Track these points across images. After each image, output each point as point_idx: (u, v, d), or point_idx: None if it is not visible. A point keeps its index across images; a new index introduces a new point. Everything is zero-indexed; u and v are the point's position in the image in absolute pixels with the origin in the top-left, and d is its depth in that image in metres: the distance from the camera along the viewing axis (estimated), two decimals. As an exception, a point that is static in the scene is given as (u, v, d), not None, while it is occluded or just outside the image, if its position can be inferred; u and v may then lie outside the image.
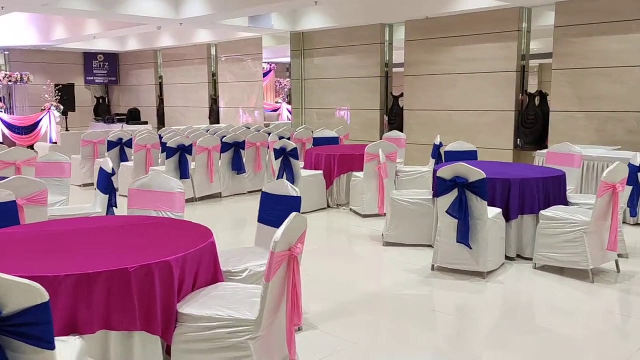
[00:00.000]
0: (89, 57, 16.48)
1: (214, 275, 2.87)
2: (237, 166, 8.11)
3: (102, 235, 2.98)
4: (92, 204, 4.82)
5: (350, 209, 7.02)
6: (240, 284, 2.98)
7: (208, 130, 9.72)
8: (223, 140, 8.00)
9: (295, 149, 6.85)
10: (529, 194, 4.88)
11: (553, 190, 5.04)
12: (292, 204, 3.40)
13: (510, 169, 5.52)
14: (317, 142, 8.61)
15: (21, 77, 14.50)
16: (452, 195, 4.41)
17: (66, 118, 14.62)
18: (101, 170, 4.79)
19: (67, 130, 14.33)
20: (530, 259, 4.76)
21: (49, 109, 14.09)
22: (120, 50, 16.02)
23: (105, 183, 4.71)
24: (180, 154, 7.47)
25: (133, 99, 16.51)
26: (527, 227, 4.91)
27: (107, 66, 16.76)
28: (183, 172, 7.47)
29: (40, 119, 14.08)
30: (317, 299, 3.98)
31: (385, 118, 10.64)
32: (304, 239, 2.65)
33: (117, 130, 9.30)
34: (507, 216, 4.86)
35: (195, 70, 14.36)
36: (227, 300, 2.61)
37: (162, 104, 15.52)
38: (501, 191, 4.88)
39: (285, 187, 3.47)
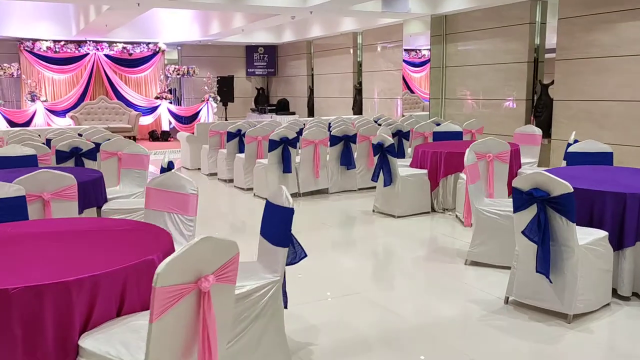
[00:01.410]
0: (250, 50, 17.19)
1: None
2: (347, 161, 7.63)
3: (41, 243, 2.69)
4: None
5: (456, 216, 6.14)
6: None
7: (331, 125, 9.36)
8: (332, 133, 7.58)
9: (392, 145, 6.16)
10: (654, 214, 3.66)
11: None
12: (284, 217, 2.85)
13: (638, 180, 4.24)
14: (437, 136, 7.75)
15: (187, 71, 15.63)
16: (531, 212, 3.45)
17: (226, 108, 15.46)
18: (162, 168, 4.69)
19: (226, 119, 15.12)
20: (650, 301, 3.59)
21: (207, 100, 14.99)
22: (278, 42, 16.44)
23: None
24: (283, 147, 7.21)
25: (288, 90, 16.87)
26: (649, 257, 3.71)
27: (266, 58, 17.34)
28: (286, 165, 7.21)
29: (200, 110, 15.05)
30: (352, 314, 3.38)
31: (532, 110, 9.27)
32: (230, 270, 2.12)
33: (241, 122, 9.38)
34: (620, 242, 3.70)
35: (342, 59, 14.12)
36: (140, 334, 2.19)
37: (312, 95, 15.58)
38: (613, 208, 3.72)
39: (281, 196, 2.93)
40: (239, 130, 8.54)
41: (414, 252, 5.10)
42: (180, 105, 16.25)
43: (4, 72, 13.61)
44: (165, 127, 15.12)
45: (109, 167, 6.09)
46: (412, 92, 12.09)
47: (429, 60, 11.15)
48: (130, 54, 15.06)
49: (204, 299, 2.04)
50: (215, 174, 9.04)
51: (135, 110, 14.64)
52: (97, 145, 6.41)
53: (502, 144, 5.53)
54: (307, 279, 4.23)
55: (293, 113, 15.17)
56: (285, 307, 2.97)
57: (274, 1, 8.95)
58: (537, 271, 3.47)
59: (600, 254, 3.54)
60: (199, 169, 9.77)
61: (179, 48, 16.50)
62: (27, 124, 13.38)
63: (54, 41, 14.16)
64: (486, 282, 4.12)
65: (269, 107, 15.39)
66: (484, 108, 10.05)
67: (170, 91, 15.65)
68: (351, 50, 13.72)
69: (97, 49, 14.68)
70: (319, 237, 5.66)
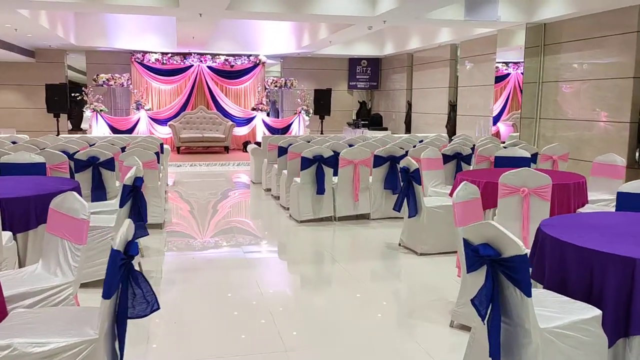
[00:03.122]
0: (353, 63, 16.76)
1: None
2: (392, 185, 6.84)
3: None
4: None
5: (491, 259, 5.11)
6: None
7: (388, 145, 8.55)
8: (376, 153, 6.84)
9: (417, 171, 5.31)
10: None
11: None
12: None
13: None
14: (500, 162, 6.65)
15: (285, 83, 15.59)
16: (481, 275, 2.56)
17: (322, 122, 15.16)
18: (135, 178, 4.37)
19: (321, 133, 14.85)
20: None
21: (300, 112, 14.80)
22: (381, 55, 15.82)
23: (124, 193, 4.27)
24: (317, 166, 6.63)
25: (389, 104, 16.16)
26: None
27: (369, 71, 16.79)
28: (319, 186, 6.62)
29: (292, 122, 14.90)
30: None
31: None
32: None
33: (303, 136, 8.92)
34: (626, 327, 2.64)
35: (439, 73, 13.13)
36: None
37: (410, 110, 14.72)
38: (618, 278, 2.66)
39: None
40: (290, 144, 8.09)
41: (408, 303, 4.25)
42: (278, 117, 16.26)
43: (115, 82, 14.54)
44: (260, 138, 15.16)
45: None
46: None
47: (506, 76, 9.89)
48: (232, 66, 15.36)
49: None
50: (270, 190, 8.69)
51: (232, 121, 14.87)
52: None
53: (541, 177, 4.47)
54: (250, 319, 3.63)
55: (385, 129, 14.43)
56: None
57: (336, 9, 8.41)
58: (489, 355, 2.56)
59: (581, 343, 2.52)
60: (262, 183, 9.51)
61: (281, 60, 16.54)
62: (130, 131, 14.14)
63: (162, 53, 14.87)
64: (458, 355, 3.22)
65: (362, 122, 14.80)
66: (584, 130, 8.60)
67: (270, 103, 15.73)
68: (448, 64, 12.69)
69: (201, 61, 15.17)
70: (310, 270, 5.00)
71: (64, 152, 6.38)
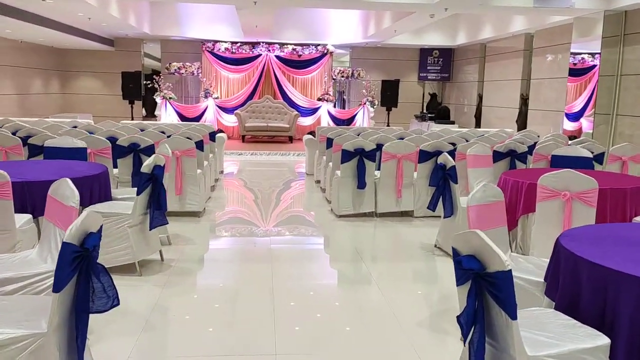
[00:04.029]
0: (424, 53, 16.22)
1: None
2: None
3: None
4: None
5: (531, 267, 4.69)
6: None
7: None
8: (422, 147, 6.49)
9: (454, 168, 4.95)
10: None
11: None
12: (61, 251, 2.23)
13: None
14: (556, 162, 6.12)
15: (352, 73, 15.34)
16: (466, 289, 2.27)
17: (388, 114, 14.81)
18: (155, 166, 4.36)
19: (387, 125, 14.52)
20: None
21: (364, 104, 14.51)
22: (454, 45, 15.20)
23: (142, 181, 4.26)
24: (359, 159, 6.39)
25: (460, 97, 15.51)
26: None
27: (441, 62, 16.18)
28: (360, 180, 6.38)
29: (356, 113, 14.65)
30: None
31: None
32: None
33: (354, 128, 8.67)
34: (641, 362, 2.25)
35: (512, 64, 12.39)
36: None
37: (481, 103, 14.03)
38: (635, 304, 2.28)
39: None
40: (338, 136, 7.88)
41: (424, 310, 3.96)
42: (344, 108, 16.06)
43: (186, 70, 14.89)
44: (324, 129, 15.04)
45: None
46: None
47: (591, 68, 9.07)
48: (299, 55, 15.30)
49: None
50: (320, 182, 8.54)
51: (297, 111, 14.82)
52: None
53: (586, 180, 4.02)
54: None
55: (453, 122, 13.85)
56: None
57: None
58: (473, 380, 2.27)
59: (581, 376, 2.17)
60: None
61: (350, 50, 16.29)
62: (198, 118, 14.46)
63: (232, 42, 15.06)
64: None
65: (428, 115, 14.29)
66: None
67: (337, 93, 15.56)
68: (521, 54, 11.95)
69: (269, 50, 15.22)
70: (332, 268, 4.80)
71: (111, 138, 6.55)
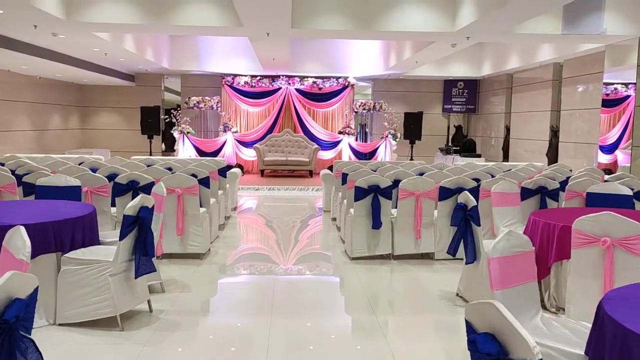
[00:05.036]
0: (449, 85, 15.77)
1: None
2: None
3: None
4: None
5: (567, 322, 4.08)
6: None
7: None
8: (442, 184, 5.98)
9: (475, 209, 4.43)
10: None
11: None
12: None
13: None
14: (592, 200, 5.55)
15: (374, 105, 14.96)
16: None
17: (412, 147, 14.32)
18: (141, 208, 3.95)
19: (411, 159, 14.03)
20: None
21: (386, 136, 14.08)
22: (479, 76, 14.74)
23: (125, 224, 3.85)
24: (373, 197, 5.90)
25: (487, 129, 14.95)
26: None
27: (466, 93, 15.70)
28: (375, 220, 5.87)
29: (378, 146, 14.21)
30: None
31: None
32: None
33: (372, 162, 8.21)
34: None
35: (540, 95, 11.84)
36: None
37: (509, 136, 13.45)
38: None
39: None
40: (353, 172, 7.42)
41: (444, 374, 3.39)
42: (367, 141, 15.64)
43: (205, 105, 14.72)
44: (345, 163, 14.61)
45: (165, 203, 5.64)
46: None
47: (625, 98, 8.47)
48: (320, 88, 15.01)
49: None
50: (335, 220, 8.06)
51: (318, 144, 14.45)
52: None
53: (630, 224, 3.46)
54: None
55: (479, 155, 13.28)
56: None
57: (414, 25, 7.68)
58: None
59: None
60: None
61: (372, 82, 15.96)
62: (216, 153, 14.19)
63: (252, 76, 14.87)
64: None
65: (453, 148, 13.75)
66: None
67: (359, 126, 15.18)
68: (550, 85, 11.40)
69: (289, 83, 14.97)
70: (335, 319, 4.27)
71: (113, 175, 6.22)
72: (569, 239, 4.18)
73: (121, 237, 3.85)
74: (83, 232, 4.18)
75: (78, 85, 15.42)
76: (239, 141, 14.71)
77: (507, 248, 2.77)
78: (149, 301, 4.25)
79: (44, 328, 3.83)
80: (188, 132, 13.94)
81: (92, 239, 4.29)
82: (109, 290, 3.81)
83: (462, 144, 14.00)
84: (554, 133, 11.09)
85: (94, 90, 15.73)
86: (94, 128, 15.96)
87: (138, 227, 3.94)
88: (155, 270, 4.13)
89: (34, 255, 3.80)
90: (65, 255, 3.94)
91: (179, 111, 14.46)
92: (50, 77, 13.44)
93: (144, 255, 3.99)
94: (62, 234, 3.99)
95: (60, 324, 3.87)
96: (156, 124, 13.95)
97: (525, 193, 5.85)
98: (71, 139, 15.16)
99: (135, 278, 3.98)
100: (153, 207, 4.09)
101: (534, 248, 2.94)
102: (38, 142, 13.23)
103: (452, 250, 4.64)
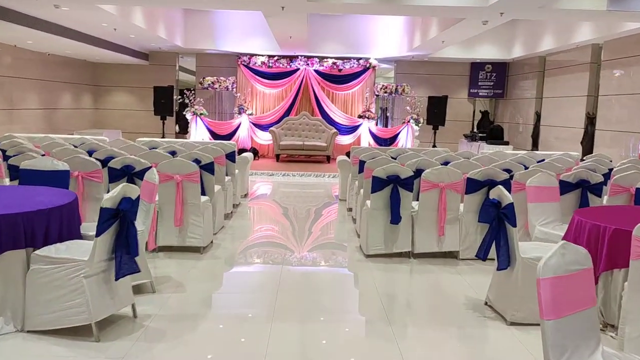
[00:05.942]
0: (476, 68, 14.98)
1: None
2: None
3: None
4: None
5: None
6: None
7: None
8: (470, 175, 5.36)
9: (511, 206, 3.81)
10: None
11: None
12: None
13: None
14: (642, 196, 4.88)
15: (396, 89, 14.26)
16: None
17: (435, 132, 13.61)
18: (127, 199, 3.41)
19: (434, 146, 13.33)
20: None
21: (408, 121, 13.41)
22: (508, 59, 13.92)
23: (103, 219, 3.32)
24: (392, 188, 5.30)
25: (515, 115, 14.17)
26: None
27: (494, 77, 14.89)
28: (394, 213, 5.28)
29: (399, 132, 13.57)
30: None
31: None
32: None
33: (393, 149, 7.60)
34: None
35: (576, 79, 11.04)
36: None
37: (539, 122, 12.67)
38: None
39: None
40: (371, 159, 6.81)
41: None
42: (387, 126, 14.98)
43: (219, 85, 14.16)
44: (365, 148, 13.97)
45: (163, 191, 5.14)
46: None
47: None
48: (340, 70, 14.34)
49: None
50: (351, 210, 7.49)
51: (336, 129, 13.82)
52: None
53: None
54: None
55: (506, 143, 12.55)
56: None
57: (441, 0, 7.00)
58: None
59: None
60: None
61: (394, 64, 15.23)
62: (230, 136, 13.66)
63: (269, 56, 14.26)
64: None
65: (479, 135, 13.01)
66: None
67: (380, 110, 14.51)
68: (587, 68, 10.60)
69: (308, 64, 14.33)
70: (340, 329, 3.71)
71: (110, 158, 5.71)
72: (622, 245, 3.57)
73: (98, 234, 3.33)
74: (60, 225, 3.67)
75: (90, 63, 14.97)
76: (254, 124, 14.15)
77: (561, 265, 2.17)
78: (133, 305, 3.73)
79: (10, 335, 3.34)
80: (201, 114, 13.42)
81: (70, 233, 3.77)
82: (84, 293, 3.30)
83: (489, 131, 13.25)
84: (590, 120, 10.32)
85: (107, 68, 15.27)
86: (107, 108, 15.54)
87: (120, 221, 3.42)
88: (139, 271, 3.59)
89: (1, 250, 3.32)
90: (35, 252, 3.43)
91: (193, 92, 13.93)
92: (60, 53, 12.98)
93: (126, 254, 3.47)
94: (34, 226, 3.48)
95: (28, 331, 3.38)
96: (169, 105, 13.44)
97: (564, 187, 5.20)
98: (82, 119, 14.75)
99: (116, 280, 3.47)
100: (138, 197, 3.55)
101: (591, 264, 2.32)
102: (47, 122, 12.83)
103: (482, 254, 4.03)
